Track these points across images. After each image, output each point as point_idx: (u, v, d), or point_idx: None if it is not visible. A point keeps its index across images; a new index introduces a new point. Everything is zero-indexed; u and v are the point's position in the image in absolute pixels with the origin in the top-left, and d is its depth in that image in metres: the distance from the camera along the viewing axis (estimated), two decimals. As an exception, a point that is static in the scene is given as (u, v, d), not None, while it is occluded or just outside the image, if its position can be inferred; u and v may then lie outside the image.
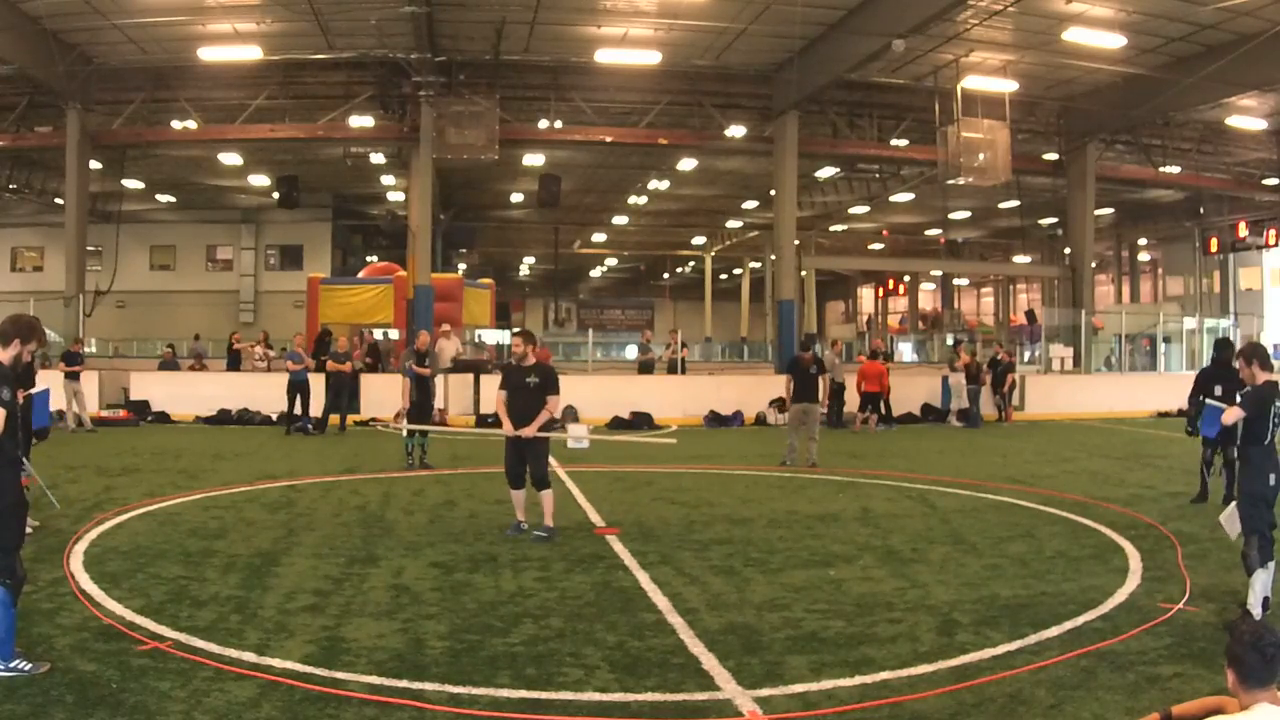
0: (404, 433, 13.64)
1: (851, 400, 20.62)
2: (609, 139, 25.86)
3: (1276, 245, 31.88)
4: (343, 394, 18.66)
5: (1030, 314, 32.79)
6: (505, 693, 4.89)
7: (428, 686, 4.94)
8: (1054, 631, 5.87)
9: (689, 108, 25.19)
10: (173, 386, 21.71)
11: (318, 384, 18.59)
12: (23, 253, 39.43)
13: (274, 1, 19.18)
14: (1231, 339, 11.78)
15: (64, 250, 24.29)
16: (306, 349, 19.55)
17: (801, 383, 14.06)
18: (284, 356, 19.71)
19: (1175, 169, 29.00)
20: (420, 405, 13.52)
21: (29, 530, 8.55)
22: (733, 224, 45.17)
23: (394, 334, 26.66)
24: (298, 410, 18.12)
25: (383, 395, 20.02)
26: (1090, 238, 28.63)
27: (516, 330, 9.93)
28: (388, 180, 33.68)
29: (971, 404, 21.25)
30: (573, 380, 21.93)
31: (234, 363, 23.64)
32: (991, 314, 57.13)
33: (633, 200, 39.13)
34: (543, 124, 24.70)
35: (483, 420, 20.64)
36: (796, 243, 27.23)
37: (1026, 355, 31.73)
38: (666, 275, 60.59)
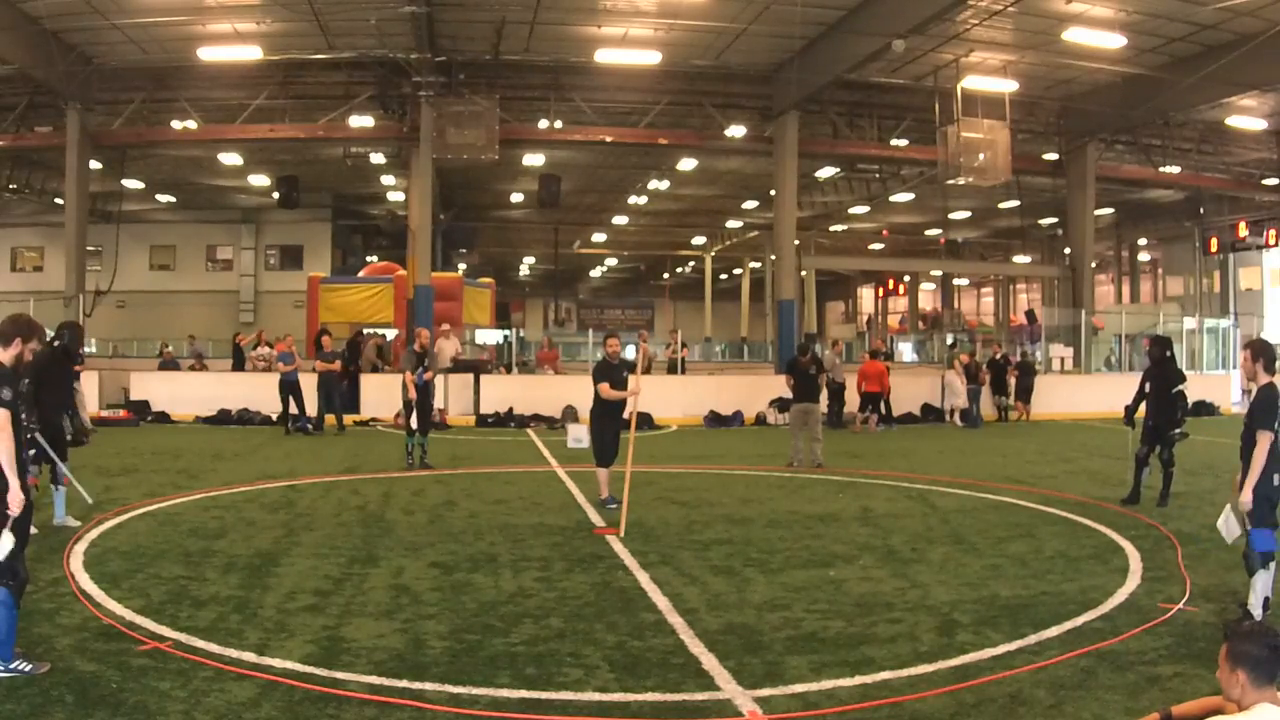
0: (409, 432, 13.65)
1: (851, 400, 20.62)
2: (609, 139, 25.83)
3: (1276, 245, 31.79)
4: (333, 394, 18.65)
5: (1030, 314, 32.73)
6: (505, 693, 4.89)
7: (428, 686, 4.94)
8: (1054, 631, 5.87)
9: (689, 108, 25.17)
10: (173, 386, 21.74)
11: (309, 384, 18.58)
12: (23, 253, 39.34)
13: (274, 1, 19.16)
14: (1168, 336, 11.77)
15: (64, 250, 24.27)
16: (322, 348, 19.55)
17: (801, 383, 14.20)
18: (276, 358, 19.74)
19: (1175, 169, 28.96)
20: (420, 406, 13.51)
21: (66, 524, 8.83)
22: (733, 224, 45.11)
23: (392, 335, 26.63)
24: (294, 409, 18.12)
25: (382, 395, 20.03)
26: (1090, 238, 28.61)
27: (611, 332, 10.93)
28: (388, 180, 33.64)
29: (971, 404, 21.25)
30: (573, 380, 22.03)
31: (240, 361, 23.62)
32: (991, 314, 57.07)
33: (633, 200, 39.08)
34: (543, 124, 24.68)
35: (483, 420, 20.65)
36: (796, 243, 27.21)
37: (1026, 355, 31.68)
38: (666, 275, 60.51)
